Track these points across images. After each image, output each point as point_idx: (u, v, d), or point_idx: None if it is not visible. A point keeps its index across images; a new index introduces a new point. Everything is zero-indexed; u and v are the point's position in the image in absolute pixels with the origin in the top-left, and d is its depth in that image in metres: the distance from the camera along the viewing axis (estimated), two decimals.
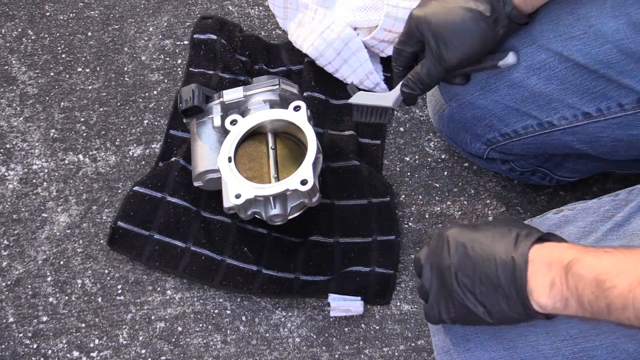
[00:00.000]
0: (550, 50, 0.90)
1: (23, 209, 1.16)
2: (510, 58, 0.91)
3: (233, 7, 1.31)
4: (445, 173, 1.18)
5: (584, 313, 0.66)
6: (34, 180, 1.17)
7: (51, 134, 1.21)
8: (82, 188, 1.17)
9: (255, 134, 1.05)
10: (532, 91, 0.93)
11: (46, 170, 1.18)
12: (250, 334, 1.07)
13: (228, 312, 1.09)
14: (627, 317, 0.61)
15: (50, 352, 1.06)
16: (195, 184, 1.09)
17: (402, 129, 1.21)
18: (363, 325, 1.08)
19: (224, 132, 1.06)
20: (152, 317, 1.08)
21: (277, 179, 1.01)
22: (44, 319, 1.08)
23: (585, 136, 0.93)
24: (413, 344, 1.07)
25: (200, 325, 1.08)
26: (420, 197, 1.16)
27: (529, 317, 0.72)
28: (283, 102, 1.08)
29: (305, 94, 1.19)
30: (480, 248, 0.74)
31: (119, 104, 1.23)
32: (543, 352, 0.78)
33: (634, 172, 1.10)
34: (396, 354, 1.06)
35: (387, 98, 0.99)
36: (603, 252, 0.65)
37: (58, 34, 1.29)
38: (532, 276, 0.69)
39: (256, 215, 1.02)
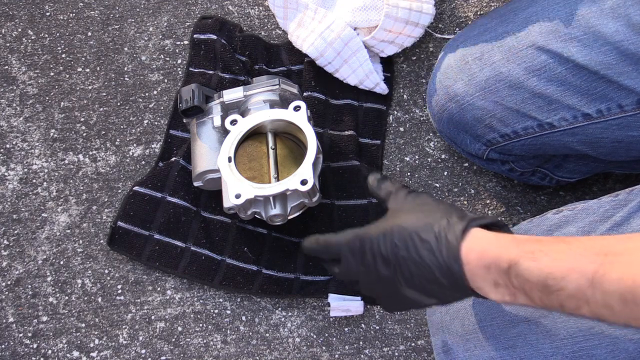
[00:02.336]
0: (550, 51, 0.90)
1: (23, 209, 1.16)
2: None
3: (233, 7, 1.31)
4: (445, 173, 1.18)
5: (536, 306, 0.64)
6: (34, 180, 1.17)
7: (51, 134, 1.21)
8: (82, 188, 1.17)
9: (255, 134, 1.05)
10: (532, 92, 0.93)
11: (46, 170, 1.18)
12: (250, 334, 1.07)
13: (228, 312, 1.09)
14: (582, 314, 0.61)
15: (50, 352, 1.06)
16: (195, 184, 1.09)
17: (402, 129, 1.21)
18: (363, 325, 1.08)
19: (224, 132, 1.06)
20: (152, 317, 1.08)
21: (277, 179, 1.01)
22: (44, 319, 1.08)
23: (585, 137, 0.94)
24: (413, 344, 1.07)
25: (200, 325, 1.08)
26: None
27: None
28: (283, 102, 1.08)
29: (305, 94, 1.19)
30: (409, 256, 0.69)
31: (119, 104, 1.23)
32: (542, 351, 0.78)
33: (634, 173, 1.10)
34: (396, 354, 1.06)
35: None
36: (539, 251, 0.63)
37: (58, 34, 1.29)
38: (472, 278, 0.66)
39: (256, 215, 1.02)
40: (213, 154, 1.06)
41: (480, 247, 0.66)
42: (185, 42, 1.27)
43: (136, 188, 1.12)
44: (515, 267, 0.63)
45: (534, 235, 0.67)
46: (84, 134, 1.21)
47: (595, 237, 0.64)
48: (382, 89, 1.20)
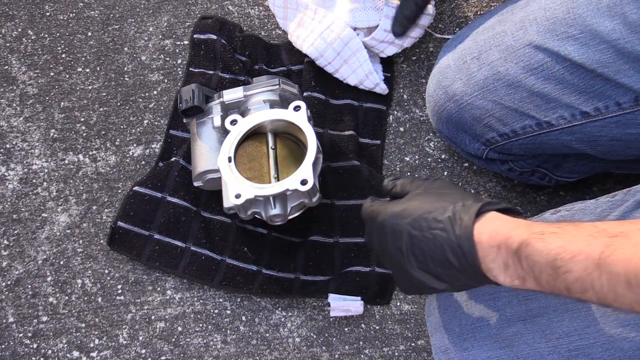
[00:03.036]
0: (548, 50, 0.90)
1: (23, 209, 1.16)
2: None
3: (233, 7, 1.31)
4: (445, 173, 1.18)
5: (543, 290, 0.64)
6: (34, 180, 1.18)
7: (51, 134, 1.21)
8: (82, 188, 1.17)
9: (255, 134, 1.05)
10: (530, 91, 0.93)
11: (46, 170, 1.18)
12: (250, 334, 1.07)
13: (228, 312, 1.09)
14: (588, 298, 0.61)
15: (50, 352, 1.06)
16: (195, 184, 1.09)
17: (402, 129, 1.21)
18: (363, 325, 1.08)
19: (224, 132, 1.06)
20: (152, 317, 1.08)
21: (277, 179, 1.01)
22: (44, 319, 1.08)
23: (583, 135, 0.94)
24: (413, 344, 1.07)
25: (200, 325, 1.08)
26: None
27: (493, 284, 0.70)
28: (283, 102, 1.08)
29: (305, 94, 1.19)
30: (422, 235, 0.70)
31: (119, 104, 1.23)
32: (539, 350, 0.78)
33: (633, 173, 1.10)
34: (396, 354, 1.06)
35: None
36: (550, 233, 0.63)
37: (58, 34, 1.29)
38: (483, 258, 0.67)
39: (256, 215, 1.02)
40: (213, 154, 1.06)
41: (492, 228, 0.67)
42: (185, 42, 1.27)
43: (136, 188, 1.12)
44: (525, 248, 0.63)
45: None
46: (84, 134, 1.21)
47: (606, 222, 0.64)
48: (382, 89, 1.20)
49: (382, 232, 0.74)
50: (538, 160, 1.06)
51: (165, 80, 1.25)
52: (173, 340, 1.07)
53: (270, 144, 1.04)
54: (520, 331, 0.79)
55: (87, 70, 1.26)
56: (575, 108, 0.91)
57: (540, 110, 0.93)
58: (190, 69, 1.23)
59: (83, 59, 1.27)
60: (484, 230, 0.67)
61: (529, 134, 0.96)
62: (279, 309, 1.09)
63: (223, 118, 1.07)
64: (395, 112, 1.22)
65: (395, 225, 0.73)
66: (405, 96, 1.23)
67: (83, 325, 1.08)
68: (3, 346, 1.07)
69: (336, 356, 1.06)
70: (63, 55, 1.27)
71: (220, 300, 1.09)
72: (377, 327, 1.08)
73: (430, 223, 0.70)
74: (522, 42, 0.93)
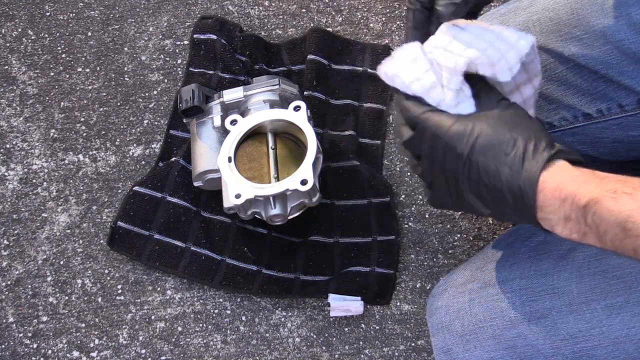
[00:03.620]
0: (551, 50, 0.90)
1: (23, 209, 1.16)
2: None
3: (233, 7, 1.31)
4: None
5: (604, 247, 0.62)
6: (34, 180, 1.17)
7: (51, 134, 1.21)
8: (82, 188, 1.17)
9: (255, 134, 1.05)
10: None
11: (46, 170, 1.18)
12: (250, 334, 1.07)
13: (228, 312, 1.09)
14: None
15: (50, 352, 1.06)
16: (195, 184, 1.09)
17: None
18: (363, 325, 1.08)
19: (224, 132, 1.06)
20: (152, 317, 1.08)
21: (277, 179, 1.01)
22: (44, 319, 1.08)
23: (585, 137, 0.93)
24: (413, 344, 1.07)
25: (200, 325, 1.08)
26: (420, 197, 1.16)
27: (544, 231, 0.68)
28: (283, 102, 1.08)
29: (305, 93, 1.19)
30: (485, 163, 0.67)
31: (119, 104, 1.23)
32: (542, 351, 0.78)
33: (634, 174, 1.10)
34: (396, 354, 1.06)
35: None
36: (622, 193, 0.61)
37: (58, 34, 1.29)
38: (543, 206, 0.65)
39: (256, 215, 1.02)
40: (213, 154, 1.06)
41: (559, 179, 0.64)
42: (185, 42, 1.27)
43: (136, 188, 1.12)
44: (594, 205, 0.61)
45: (618, 175, 0.66)
46: (84, 134, 1.21)
47: None
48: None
49: (439, 147, 0.70)
50: None
51: (165, 80, 1.25)
52: (173, 340, 1.07)
53: (270, 144, 1.04)
54: (524, 332, 0.79)
55: (87, 70, 1.26)
56: (578, 109, 0.91)
57: (542, 111, 0.93)
58: (190, 69, 1.23)
59: (83, 59, 1.27)
60: (550, 180, 0.64)
61: None
62: (279, 309, 1.09)
63: (223, 118, 1.07)
64: (395, 112, 1.22)
65: (458, 145, 0.68)
66: None
67: (83, 325, 1.08)
68: (3, 346, 1.07)
69: (336, 356, 1.06)
70: (63, 55, 1.27)
71: (220, 300, 1.09)
72: (377, 327, 1.08)
73: (497, 155, 0.66)
74: None
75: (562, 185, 0.64)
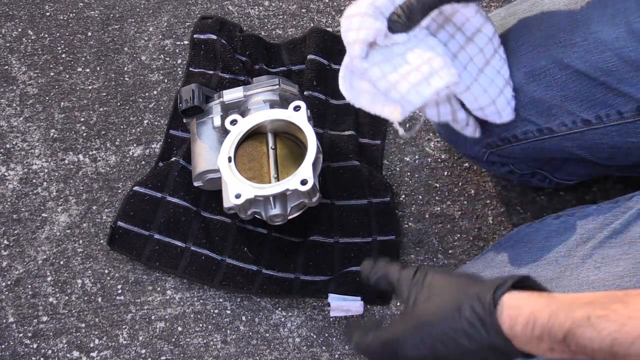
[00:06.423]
0: (550, 57, 0.90)
1: (23, 209, 1.16)
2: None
3: (233, 7, 1.31)
4: (445, 173, 1.18)
5: None
6: (34, 180, 1.18)
7: (51, 134, 1.21)
8: (82, 188, 1.17)
9: (255, 134, 1.05)
10: (532, 97, 0.92)
11: (46, 170, 1.18)
12: (250, 334, 1.07)
13: (228, 312, 1.09)
14: None
15: (50, 352, 1.06)
16: (195, 184, 1.09)
17: None
18: None
19: (224, 132, 1.06)
20: (152, 317, 1.08)
21: (277, 179, 1.01)
22: (44, 319, 1.08)
23: (584, 143, 0.93)
24: None
25: (200, 325, 1.08)
26: (420, 197, 1.16)
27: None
28: (283, 102, 1.08)
29: (305, 93, 1.19)
30: (449, 353, 0.67)
31: (119, 104, 1.23)
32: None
33: (633, 175, 1.10)
34: None
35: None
36: (596, 317, 0.60)
37: (58, 34, 1.29)
38: (523, 347, 0.64)
39: (256, 215, 1.02)
40: (213, 154, 1.06)
41: (523, 319, 0.64)
42: (185, 42, 1.27)
43: (136, 188, 1.12)
44: (573, 337, 0.61)
45: (574, 294, 0.65)
46: (84, 134, 1.21)
47: None
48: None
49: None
50: (538, 163, 1.06)
51: (165, 80, 1.25)
52: (173, 340, 1.07)
53: (270, 144, 1.04)
54: None
55: (87, 70, 1.26)
56: (577, 115, 0.91)
57: (541, 116, 0.93)
58: (190, 69, 1.23)
59: (83, 59, 1.27)
60: (512, 322, 0.64)
61: (529, 139, 0.96)
62: (279, 309, 1.09)
63: (223, 118, 1.07)
64: None
65: (416, 348, 0.69)
66: None
67: (83, 325, 1.08)
68: (3, 346, 1.07)
69: (336, 356, 1.06)
70: (63, 55, 1.27)
71: (220, 300, 1.09)
72: None
73: (452, 336, 0.66)
74: (524, 48, 0.92)
75: (529, 323, 0.63)
